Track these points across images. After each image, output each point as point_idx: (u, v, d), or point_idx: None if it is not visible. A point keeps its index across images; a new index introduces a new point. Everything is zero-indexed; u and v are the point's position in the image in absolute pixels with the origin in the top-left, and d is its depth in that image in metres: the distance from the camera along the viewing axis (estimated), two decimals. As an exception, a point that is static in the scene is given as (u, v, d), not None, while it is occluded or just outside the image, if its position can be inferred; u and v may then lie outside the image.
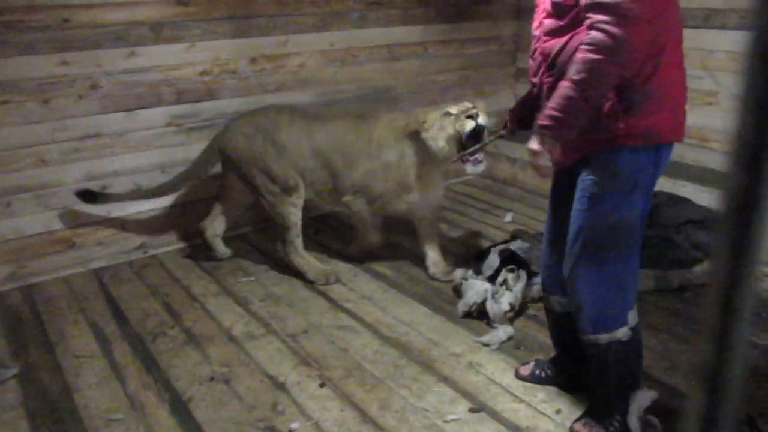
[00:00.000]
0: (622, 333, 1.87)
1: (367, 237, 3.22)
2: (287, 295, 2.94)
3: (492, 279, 2.73)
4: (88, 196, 3.07)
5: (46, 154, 3.06)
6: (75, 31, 3.02)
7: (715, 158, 3.55)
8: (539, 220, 3.72)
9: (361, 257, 3.26)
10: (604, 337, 1.87)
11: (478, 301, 2.62)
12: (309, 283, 3.04)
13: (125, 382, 2.32)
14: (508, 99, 4.69)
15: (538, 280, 2.69)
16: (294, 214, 3.06)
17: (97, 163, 3.20)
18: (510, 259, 2.79)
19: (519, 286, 2.65)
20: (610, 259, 1.81)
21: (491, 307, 2.57)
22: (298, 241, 3.08)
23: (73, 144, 3.12)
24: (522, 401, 2.17)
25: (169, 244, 3.48)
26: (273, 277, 3.13)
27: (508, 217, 3.78)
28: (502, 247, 2.87)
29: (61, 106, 3.05)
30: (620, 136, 1.71)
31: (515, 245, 2.87)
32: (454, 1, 4.22)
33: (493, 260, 2.77)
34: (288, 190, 3.02)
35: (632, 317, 1.89)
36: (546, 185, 4.07)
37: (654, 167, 1.77)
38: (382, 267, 3.20)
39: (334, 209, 3.53)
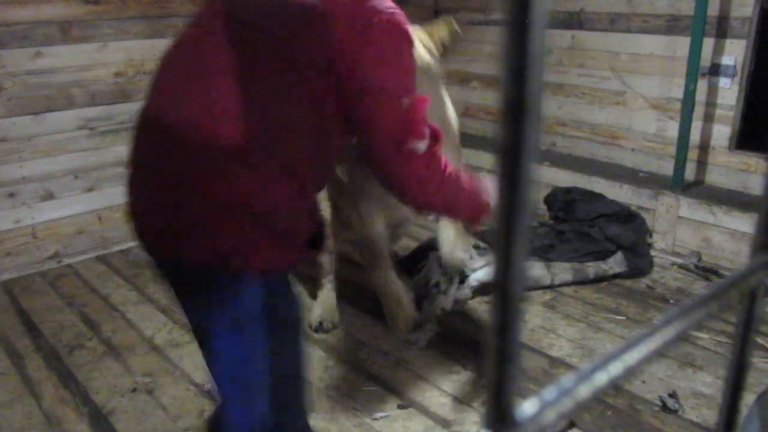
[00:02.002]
0: None
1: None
2: (212, 301, 2.88)
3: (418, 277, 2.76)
4: None
5: (-55, 161, 2.87)
6: (-25, 30, 2.85)
7: (625, 155, 3.74)
8: (462, 218, 3.80)
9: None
10: None
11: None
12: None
13: (40, 398, 2.22)
14: (429, 99, 4.77)
15: (469, 281, 2.76)
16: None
17: (3, 169, 3.03)
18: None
19: (452, 290, 2.69)
20: None
21: (425, 307, 2.60)
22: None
23: (-24, 149, 2.94)
24: (449, 395, 2.22)
25: (86, 253, 3.33)
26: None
27: (432, 216, 3.85)
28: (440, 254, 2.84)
29: (-38, 110, 2.88)
30: None
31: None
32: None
33: (434, 270, 2.75)
34: None
35: None
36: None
37: None
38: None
39: None
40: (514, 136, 0.32)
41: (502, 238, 0.33)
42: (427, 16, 4.58)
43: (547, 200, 3.58)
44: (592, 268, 3.02)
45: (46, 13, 3.02)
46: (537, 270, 2.96)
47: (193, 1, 3.42)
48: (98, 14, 3.15)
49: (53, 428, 2.06)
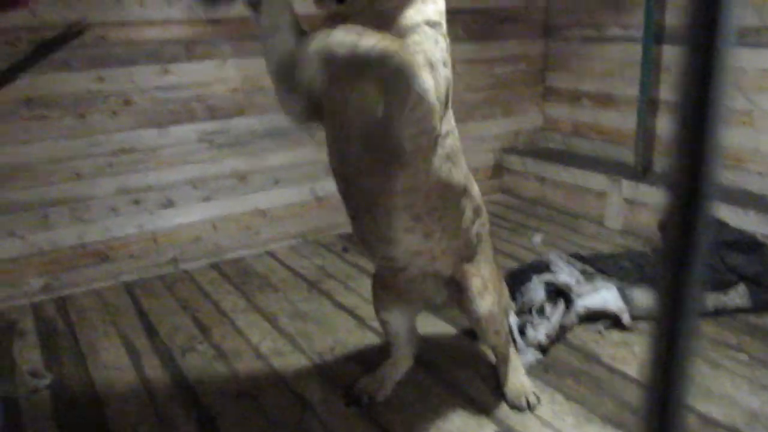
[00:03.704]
0: None
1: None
2: (314, 313, 2.94)
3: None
4: None
5: (81, 168, 3.12)
6: (110, 48, 3.09)
7: (751, 179, 3.49)
8: (570, 241, 3.68)
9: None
10: None
11: (512, 322, 2.58)
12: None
13: (154, 397, 2.34)
14: (537, 118, 4.68)
15: (576, 307, 2.65)
16: None
17: (130, 177, 3.25)
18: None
19: (557, 316, 2.60)
20: None
21: (528, 332, 2.53)
22: None
23: (108, 159, 3.18)
24: (550, 426, 2.13)
25: (200, 259, 3.51)
26: (301, 294, 3.13)
27: (538, 238, 3.75)
28: (547, 278, 2.73)
29: (96, 122, 3.12)
30: None
31: (561, 278, 2.74)
32: (480, 20, 4.24)
33: (538, 293, 2.68)
34: None
35: None
36: (580, 207, 4.01)
37: None
38: (409, 285, 3.19)
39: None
40: (690, 169, 0.29)
41: (669, 273, 0.31)
42: (537, 31, 4.51)
43: (663, 225, 3.40)
44: (711, 300, 2.83)
45: (173, 32, 3.23)
46: (647, 299, 2.81)
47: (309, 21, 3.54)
48: (219, 33, 3.33)
49: (164, 427, 2.17)
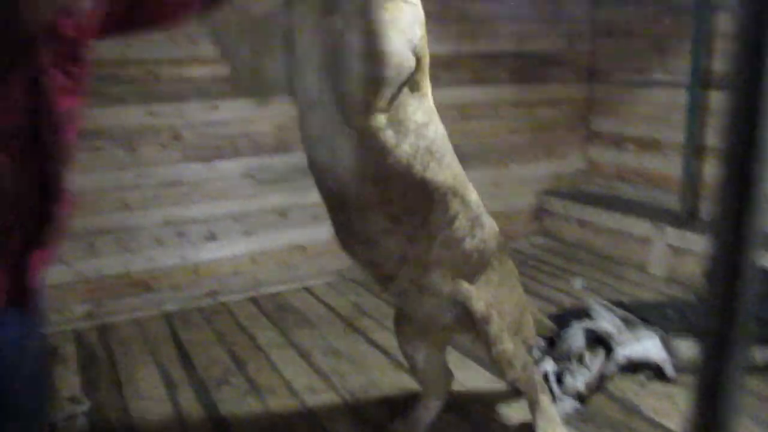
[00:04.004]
0: None
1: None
2: (349, 351, 2.93)
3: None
4: None
5: (129, 199, 3.21)
6: (162, 84, 3.20)
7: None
8: (611, 287, 3.61)
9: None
10: None
11: (549, 369, 2.52)
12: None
13: (187, 429, 2.34)
14: (579, 161, 4.65)
15: (617, 356, 2.58)
16: None
17: (175, 209, 3.33)
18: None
19: (597, 364, 2.53)
20: None
21: (567, 381, 2.46)
22: None
23: (155, 190, 3.27)
24: (590, 478, 2.06)
25: (239, 292, 3.55)
26: (336, 331, 3.13)
27: (579, 284, 3.68)
28: (587, 325, 2.67)
29: (146, 155, 3.22)
30: None
31: (602, 325, 2.67)
32: (525, 63, 4.26)
33: (578, 341, 2.61)
34: None
35: None
36: (623, 253, 3.92)
37: None
38: (446, 326, 3.15)
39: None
40: (736, 216, 0.29)
41: (714, 324, 0.30)
42: (580, 75, 4.51)
43: (708, 274, 3.30)
44: (758, 354, 2.72)
45: (222, 70, 3.32)
46: (692, 350, 2.71)
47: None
48: (268, 73, 3.42)
49: (197, 459, 2.17)
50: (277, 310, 3.36)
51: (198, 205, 3.39)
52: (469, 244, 1.81)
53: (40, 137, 1.07)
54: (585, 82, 4.54)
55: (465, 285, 1.85)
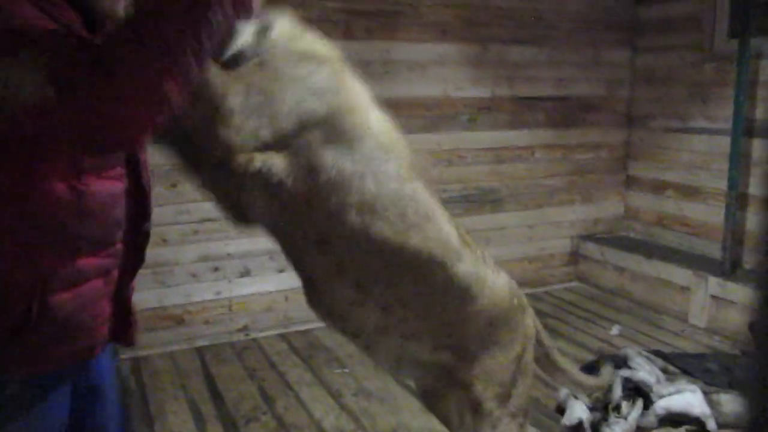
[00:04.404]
0: None
1: None
2: (379, 391, 2.89)
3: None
4: None
5: (167, 235, 3.28)
6: (206, 123, 3.29)
7: None
8: (649, 336, 3.51)
9: None
10: None
11: (584, 417, 2.45)
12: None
13: (215, 465, 2.33)
14: (617, 206, 4.59)
15: (656, 408, 2.50)
16: None
17: (212, 245, 3.38)
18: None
19: (634, 415, 2.45)
20: None
21: (602, 431, 2.38)
22: None
23: (193, 226, 3.33)
24: None
25: (270, 329, 3.56)
26: (367, 371, 3.10)
27: (615, 330, 3.59)
28: (625, 374, 2.59)
29: (186, 191, 3.29)
30: None
31: (640, 375, 2.57)
32: (562, 107, 4.26)
33: (615, 391, 2.53)
34: None
35: None
36: (662, 301, 3.82)
37: None
38: (478, 371, 3.10)
39: None
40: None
41: (759, 379, 0.29)
42: (619, 120, 4.49)
43: (752, 326, 3.19)
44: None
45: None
46: (735, 404, 2.60)
47: (391, 104, 3.67)
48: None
49: (223, 497, 2.15)
50: (307, 348, 3.35)
51: (234, 241, 3.44)
52: (456, 316, 1.52)
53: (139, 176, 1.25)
54: (624, 127, 4.51)
55: (454, 361, 1.57)
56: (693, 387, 2.58)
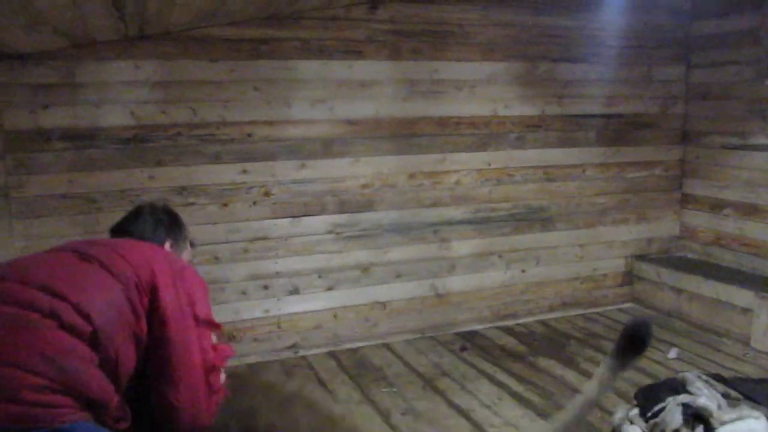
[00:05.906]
0: None
1: None
2: (429, 412, 2.86)
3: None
4: None
5: (219, 253, 3.34)
6: (256, 144, 3.36)
7: None
8: (708, 359, 3.38)
9: None
10: None
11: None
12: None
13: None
14: (673, 226, 4.46)
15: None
16: None
17: (262, 263, 3.43)
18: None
19: None
20: None
21: None
22: None
23: (244, 245, 3.39)
24: None
25: (319, 347, 3.57)
26: (416, 391, 3.07)
27: (673, 353, 3.47)
28: (685, 400, 2.48)
29: (237, 210, 3.36)
30: None
31: (701, 401, 2.49)
32: (614, 125, 4.18)
33: (675, 417, 2.43)
34: None
35: None
36: (722, 324, 3.69)
37: None
38: (530, 392, 3.03)
39: None
40: None
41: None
42: (674, 137, 4.38)
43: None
44: None
45: (313, 131, 3.46)
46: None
47: (439, 123, 3.68)
48: (355, 133, 3.53)
49: None
50: (356, 366, 3.35)
51: (283, 259, 3.48)
52: None
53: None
54: (679, 144, 4.39)
55: None
56: (757, 413, 2.46)
